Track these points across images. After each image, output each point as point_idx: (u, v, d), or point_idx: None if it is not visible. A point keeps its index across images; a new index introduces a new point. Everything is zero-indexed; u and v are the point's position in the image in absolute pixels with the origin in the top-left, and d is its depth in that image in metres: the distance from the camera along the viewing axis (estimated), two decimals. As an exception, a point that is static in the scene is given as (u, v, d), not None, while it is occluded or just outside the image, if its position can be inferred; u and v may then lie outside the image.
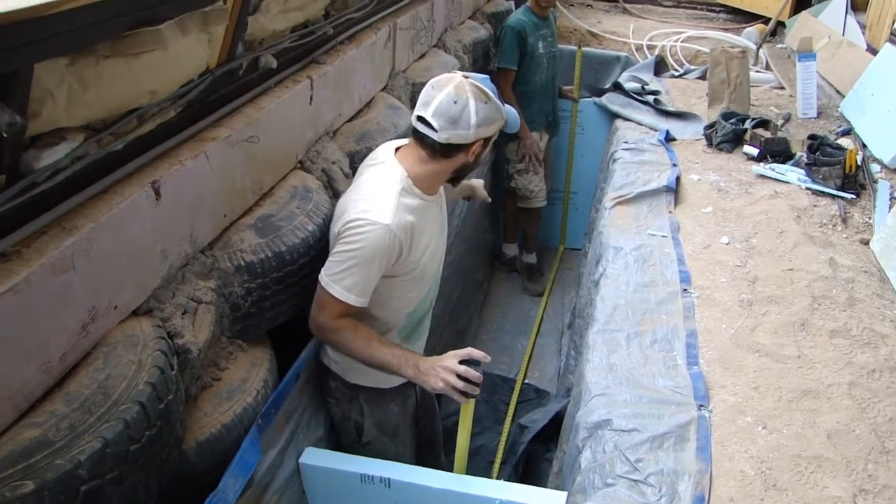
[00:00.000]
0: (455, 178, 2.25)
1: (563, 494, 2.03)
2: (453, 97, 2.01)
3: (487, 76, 2.17)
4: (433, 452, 2.75)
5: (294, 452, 2.19)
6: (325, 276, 2.04)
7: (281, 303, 2.08)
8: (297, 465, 2.19)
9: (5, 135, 1.23)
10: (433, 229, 2.23)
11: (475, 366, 2.03)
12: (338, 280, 2.01)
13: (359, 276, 2.01)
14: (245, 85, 2.17)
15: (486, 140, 2.13)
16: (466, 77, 2.07)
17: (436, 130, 2.02)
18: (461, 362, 2.04)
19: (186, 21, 1.62)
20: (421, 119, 2.05)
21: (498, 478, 3.22)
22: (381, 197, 2.05)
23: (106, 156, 1.57)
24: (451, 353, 2.06)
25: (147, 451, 1.46)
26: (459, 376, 2.01)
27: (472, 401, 2.12)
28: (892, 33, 4.17)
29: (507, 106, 2.19)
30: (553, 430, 3.11)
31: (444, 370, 2.02)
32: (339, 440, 2.49)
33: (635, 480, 1.94)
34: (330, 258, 2.06)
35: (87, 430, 1.36)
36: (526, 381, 4.10)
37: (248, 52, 2.11)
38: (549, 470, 2.86)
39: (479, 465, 3.27)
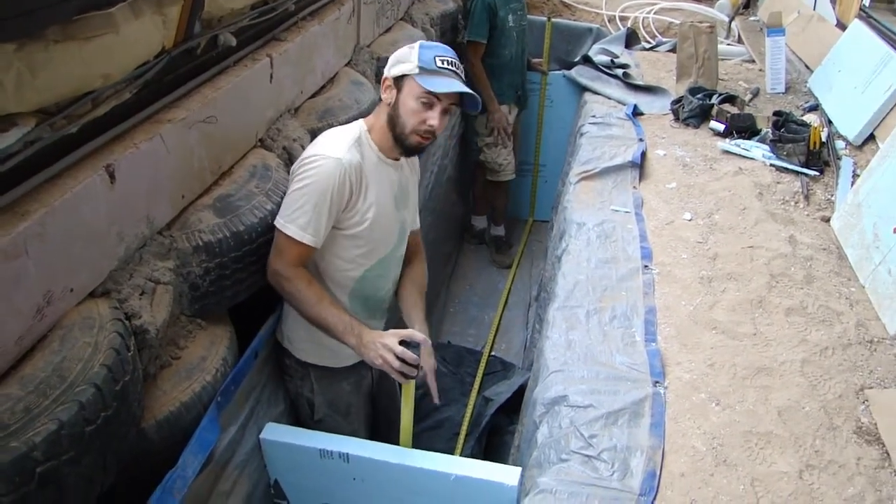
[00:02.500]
0: (397, 138, 2.20)
1: (518, 470, 2.08)
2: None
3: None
4: (392, 431, 2.78)
5: (255, 429, 2.22)
6: (280, 219, 2.09)
7: (240, 281, 2.09)
8: (257, 440, 2.22)
9: (-48, 122, 1.23)
10: (383, 190, 2.25)
11: (415, 348, 2.05)
12: (292, 220, 2.06)
13: (312, 212, 2.05)
14: (203, 64, 2.15)
15: (397, 83, 2.16)
16: None
17: None
18: (402, 343, 2.06)
19: (139, 3, 1.61)
20: None
21: (462, 450, 3.28)
22: (335, 140, 2.17)
23: (59, 140, 1.57)
24: (392, 331, 2.10)
25: (103, 432, 1.47)
26: (397, 357, 2.04)
27: (412, 382, 2.16)
28: (860, 9, 4.19)
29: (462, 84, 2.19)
30: (517, 403, 3.16)
31: (384, 347, 2.05)
32: (297, 417, 2.53)
33: (589, 456, 1.97)
34: (284, 200, 2.12)
35: (43, 413, 1.37)
36: (492, 353, 4.16)
37: (206, 31, 2.09)
38: (512, 443, 2.91)
39: (443, 437, 3.32)
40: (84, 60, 1.56)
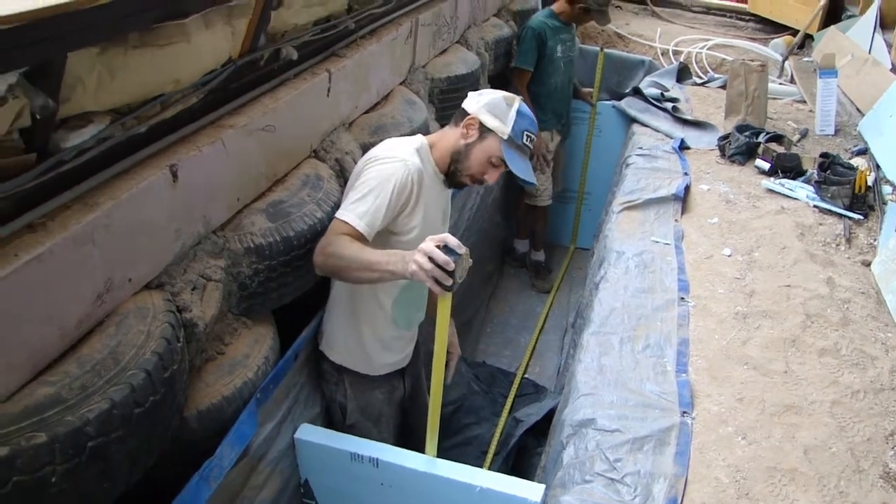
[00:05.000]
0: (454, 171, 2.33)
1: (541, 487, 2.12)
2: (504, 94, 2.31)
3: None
4: (415, 438, 2.83)
5: (290, 427, 2.29)
6: (340, 210, 2.13)
7: (286, 284, 2.17)
8: (292, 439, 2.30)
9: (38, 117, 1.33)
10: (432, 206, 2.34)
11: (453, 254, 1.84)
12: (352, 209, 2.10)
13: (372, 203, 2.10)
14: (265, 75, 2.26)
15: (482, 130, 2.25)
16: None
17: None
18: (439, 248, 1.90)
19: (211, 15, 1.72)
20: None
21: (489, 468, 3.31)
22: (400, 145, 2.28)
23: (129, 138, 1.68)
24: (431, 237, 1.91)
25: (150, 416, 1.56)
26: (430, 259, 1.84)
27: (448, 298, 1.94)
28: (915, 55, 4.18)
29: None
30: (547, 426, 3.19)
31: (418, 252, 1.86)
32: (331, 420, 2.61)
33: (612, 479, 2.00)
34: (345, 196, 2.20)
35: (97, 392, 1.46)
36: (526, 375, 4.18)
37: (270, 44, 2.20)
38: (539, 464, 2.94)
39: (472, 455, 3.35)
40: (157, 66, 1.67)
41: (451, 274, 1.83)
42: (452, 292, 1.90)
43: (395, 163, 2.16)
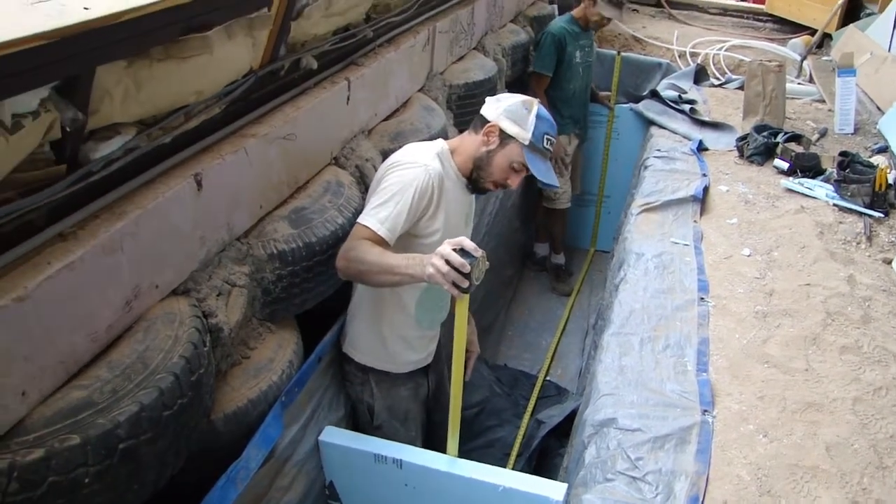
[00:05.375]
0: (476, 178, 2.35)
1: (564, 485, 2.13)
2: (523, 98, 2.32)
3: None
4: (439, 437, 2.86)
5: (315, 430, 2.33)
6: (362, 215, 2.16)
7: (309, 290, 2.21)
8: (316, 441, 2.33)
9: (68, 129, 1.38)
10: (454, 210, 2.36)
11: (469, 257, 1.87)
12: (373, 214, 2.13)
13: (393, 208, 2.13)
14: (286, 85, 2.31)
15: (503, 136, 2.27)
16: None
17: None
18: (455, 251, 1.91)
19: (233, 27, 1.76)
20: None
21: (513, 469, 3.33)
22: (421, 150, 2.31)
23: (154, 149, 1.72)
24: (448, 240, 1.95)
25: (178, 418, 1.60)
26: (447, 262, 1.87)
27: (465, 299, 2.00)
28: (934, 52, 4.16)
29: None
30: (569, 427, 3.20)
31: (436, 255, 1.89)
32: (356, 422, 2.64)
33: (634, 477, 2.02)
34: (367, 201, 2.23)
35: (127, 395, 1.50)
36: (547, 378, 4.20)
37: (290, 54, 2.24)
38: (562, 465, 2.96)
39: (495, 456, 3.37)
40: (181, 78, 1.72)
41: (467, 276, 1.86)
42: (469, 294, 1.94)
43: (416, 168, 2.19)
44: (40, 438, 1.36)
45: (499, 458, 3.39)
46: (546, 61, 4.65)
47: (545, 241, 5.61)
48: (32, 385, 1.42)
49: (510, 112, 2.27)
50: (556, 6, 5.73)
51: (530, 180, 2.36)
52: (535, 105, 2.31)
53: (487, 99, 2.37)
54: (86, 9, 1.27)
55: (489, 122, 2.29)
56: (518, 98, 2.33)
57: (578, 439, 2.40)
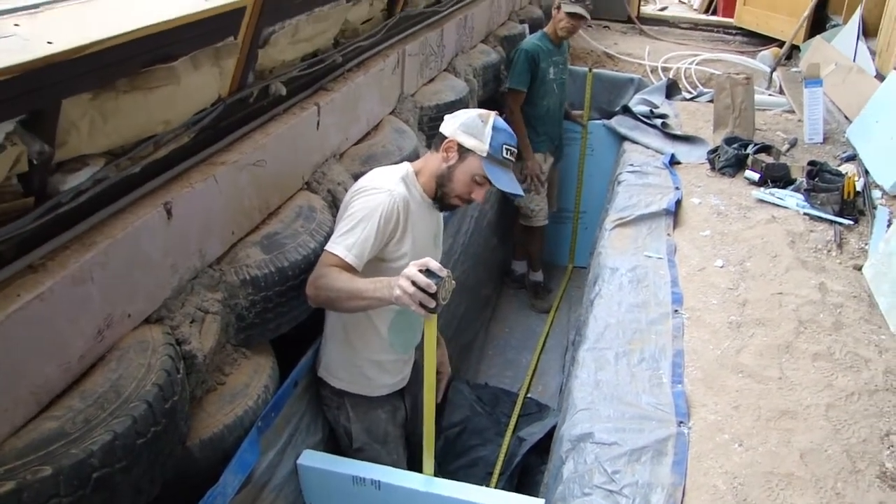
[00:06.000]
0: (441, 195, 2.39)
1: (541, 501, 2.14)
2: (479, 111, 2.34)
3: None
4: (417, 460, 2.86)
5: (293, 454, 2.33)
6: (329, 243, 2.20)
7: (283, 314, 2.22)
8: (294, 465, 2.33)
9: (35, 162, 1.40)
10: (422, 231, 2.39)
11: (435, 277, 1.90)
12: (341, 241, 2.17)
13: (360, 234, 2.16)
14: (256, 112, 2.32)
15: (461, 150, 2.30)
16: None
17: None
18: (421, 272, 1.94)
19: (199, 57, 1.78)
20: None
21: (495, 488, 3.33)
22: (385, 175, 2.33)
23: (123, 179, 1.73)
24: (414, 261, 1.98)
25: (153, 446, 1.60)
26: (414, 284, 1.90)
27: (433, 319, 2.03)
28: (899, 61, 4.24)
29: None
30: (550, 444, 3.22)
31: (402, 277, 1.92)
32: (336, 446, 2.63)
33: (611, 491, 2.03)
34: (335, 228, 2.25)
35: (100, 424, 1.50)
36: (528, 395, 4.20)
37: (259, 82, 2.26)
38: (543, 481, 2.97)
39: (477, 476, 3.37)
40: (148, 108, 1.73)
41: (433, 296, 1.89)
42: (437, 314, 1.97)
43: (381, 194, 2.22)
44: (11, 471, 1.35)
45: (482, 477, 3.40)
46: (521, 77, 4.68)
47: (523, 259, 5.63)
48: (4, 417, 1.41)
49: (466, 126, 2.30)
50: (526, 25, 5.78)
51: (506, 198, 2.40)
52: (492, 117, 2.34)
53: (446, 117, 2.40)
54: (49, 43, 1.29)
55: (447, 137, 2.32)
56: (474, 112, 2.36)
57: (556, 455, 2.40)
